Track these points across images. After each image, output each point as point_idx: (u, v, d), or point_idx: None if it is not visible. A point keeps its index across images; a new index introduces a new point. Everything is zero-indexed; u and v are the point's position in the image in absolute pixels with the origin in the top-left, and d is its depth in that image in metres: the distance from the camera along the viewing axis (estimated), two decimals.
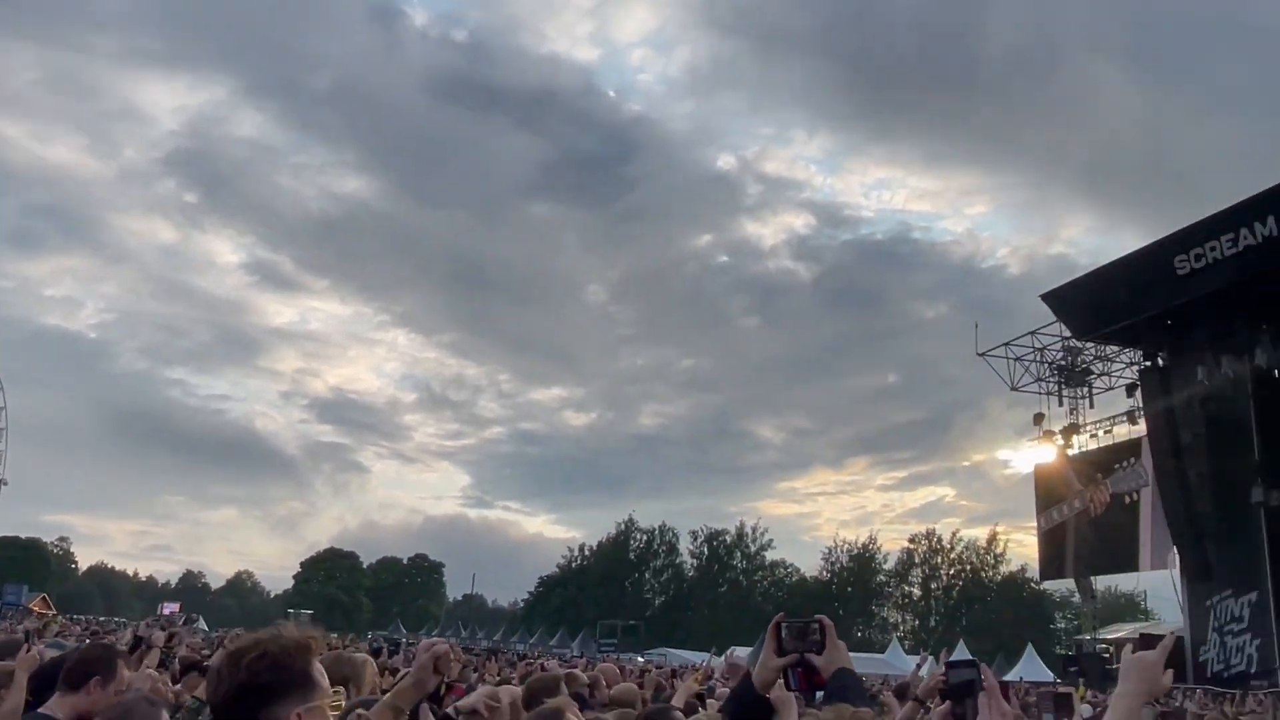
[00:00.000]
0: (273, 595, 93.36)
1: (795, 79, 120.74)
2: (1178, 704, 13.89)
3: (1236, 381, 23.27)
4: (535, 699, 3.66)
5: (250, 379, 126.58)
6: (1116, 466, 27.35)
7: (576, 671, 6.57)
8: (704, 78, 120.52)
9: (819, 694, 2.32)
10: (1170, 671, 2.13)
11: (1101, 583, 46.42)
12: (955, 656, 2.15)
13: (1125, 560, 27.12)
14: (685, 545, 76.88)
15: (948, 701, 2.11)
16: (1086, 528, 28.31)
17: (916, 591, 73.66)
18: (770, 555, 76.06)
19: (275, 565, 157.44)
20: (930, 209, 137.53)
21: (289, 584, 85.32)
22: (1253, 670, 22.17)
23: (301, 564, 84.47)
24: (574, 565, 76.98)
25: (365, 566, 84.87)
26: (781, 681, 2.42)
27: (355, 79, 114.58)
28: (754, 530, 75.92)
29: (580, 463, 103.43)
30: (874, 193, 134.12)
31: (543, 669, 7.23)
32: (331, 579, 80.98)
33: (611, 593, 71.19)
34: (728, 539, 76.11)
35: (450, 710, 2.77)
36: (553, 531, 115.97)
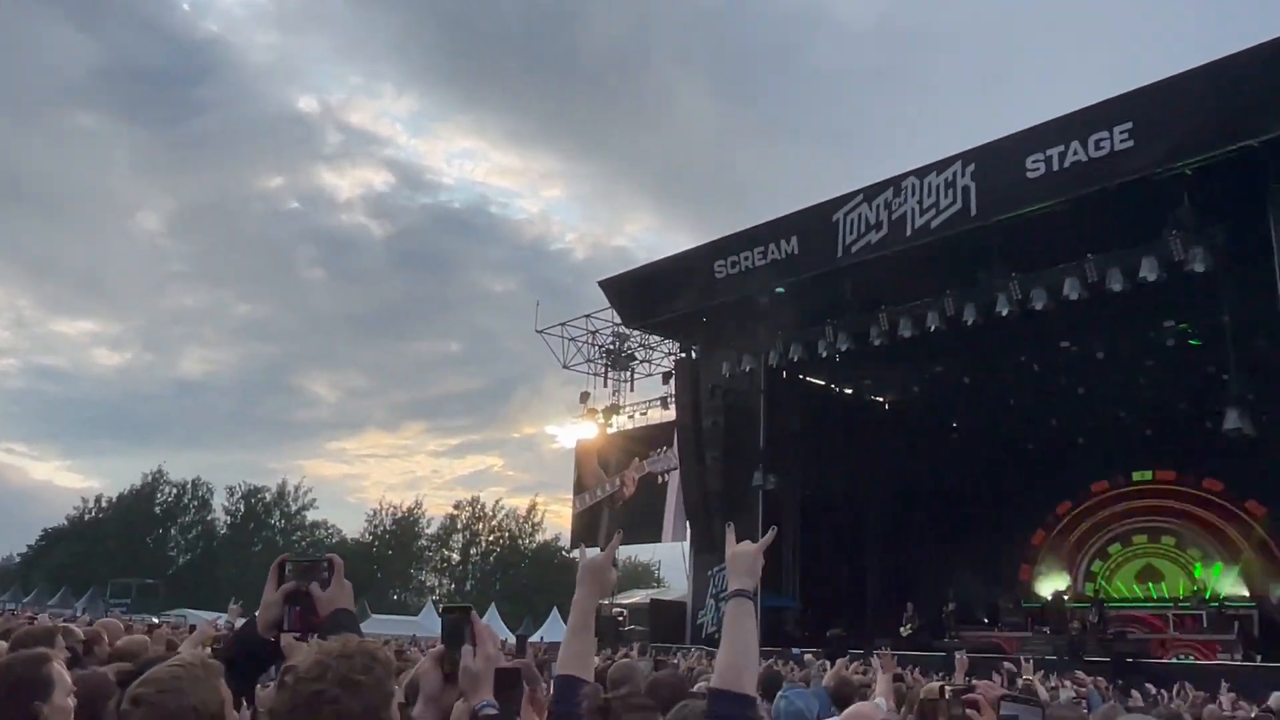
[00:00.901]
0: None
1: (393, 31, 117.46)
2: (673, 661, 14.53)
3: (753, 377, 26.27)
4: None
5: None
6: (653, 452, 29.65)
7: (72, 626, 5.97)
8: (293, 11, 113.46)
9: (314, 635, 2.28)
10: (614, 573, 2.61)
11: (624, 553, 50.46)
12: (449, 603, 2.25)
13: (650, 533, 29.45)
14: (220, 501, 72.53)
15: (441, 645, 2.20)
16: (618, 504, 30.41)
17: (456, 556, 75.22)
18: (312, 515, 73.91)
19: None
20: (510, 185, 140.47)
21: None
22: None
23: None
24: (87, 518, 69.71)
25: None
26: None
27: None
28: (296, 489, 73.36)
29: (107, 406, 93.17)
30: (457, 161, 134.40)
31: (31, 623, 6.47)
32: None
33: (130, 549, 65.35)
34: (267, 497, 72.86)
35: None
36: (65, 479, 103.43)
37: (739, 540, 2.80)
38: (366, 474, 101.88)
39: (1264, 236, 17.68)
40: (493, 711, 2.04)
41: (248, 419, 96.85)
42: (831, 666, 7.71)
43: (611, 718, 2.30)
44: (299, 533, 72.86)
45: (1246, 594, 24.53)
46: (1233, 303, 18.86)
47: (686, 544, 27.90)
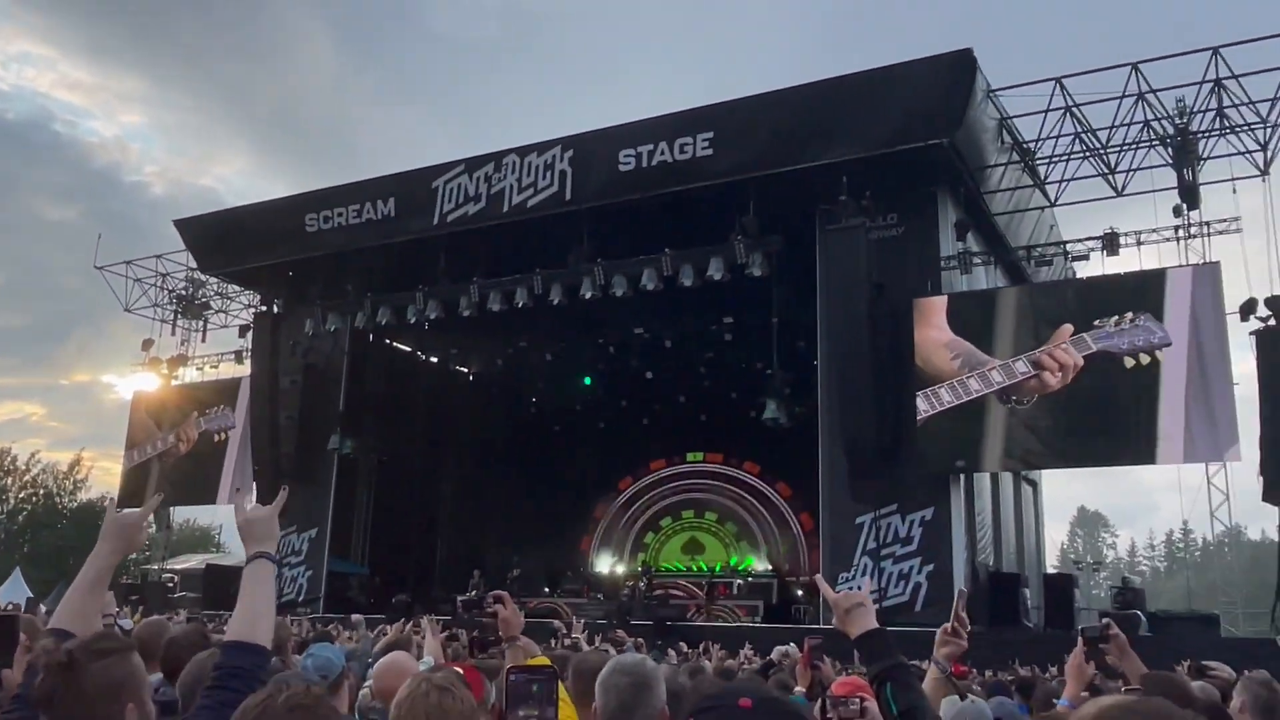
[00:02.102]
0: None
1: None
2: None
3: (337, 337, 25.44)
4: None
5: None
6: (211, 410, 27.81)
7: None
8: None
9: None
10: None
11: (183, 515, 46.90)
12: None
13: (206, 494, 27.62)
14: None
15: None
16: (173, 464, 28.26)
17: None
18: None
19: None
20: (80, 103, 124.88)
21: None
22: (300, 598, 24.33)
23: None
24: None
25: None
26: None
27: None
28: None
29: None
30: (16, 65, 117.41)
31: None
32: None
33: None
34: None
35: None
36: None
37: (284, 506, 2.74)
38: None
39: (811, 249, 20.01)
40: None
41: None
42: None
43: (76, 667, 2.17)
44: None
45: (771, 566, 27.67)
46: (780, 306, 21.11)
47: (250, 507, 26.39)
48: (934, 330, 18.70)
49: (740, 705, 1.53)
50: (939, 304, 19.00)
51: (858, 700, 2.80)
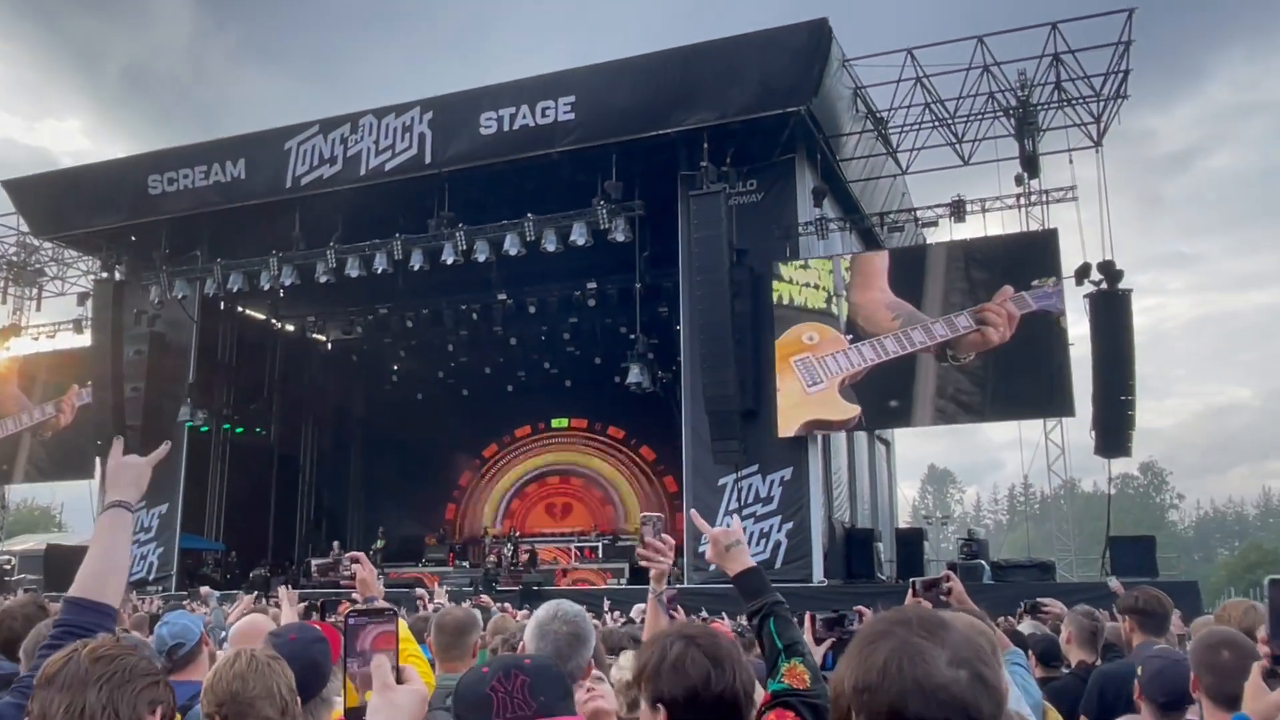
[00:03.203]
0: None
1: None
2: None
3: (185, 305, 24.37)
4: None
5: None
6: (77, 384, 26.41)
7: None
8: None
9: None
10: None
11: (18, 495, 44.41)
12: None
13: (86, 469, 26.29)
14: None
15: None
16: (50, 436, 26.88)
17: None
18: None
19: None
20: None
21: None
22: (151, 576, 23.38)
23: None
24: None
25: None
26: None
27: None
28: None
29: None
30: None
31: None
32: None
33: None
34: None
35: None
36: None
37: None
38: None
39: (674, 215, 20.18)
40: None
41: None
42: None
43: None
44: None
45: (634, 528, 28.02)
46: (643, 271, 21.25)
47: (96, 483, 25.21)
48: (876, 292, 18.95)
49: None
50: (880, 265, 19.31)
51: None
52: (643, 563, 3.22)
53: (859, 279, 19.24)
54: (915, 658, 1.36)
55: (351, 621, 1.74)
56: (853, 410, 18.81)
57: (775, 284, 19.44)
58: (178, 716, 2.22)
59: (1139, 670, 3.52)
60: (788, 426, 18.94)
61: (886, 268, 19.26)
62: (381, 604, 2.64)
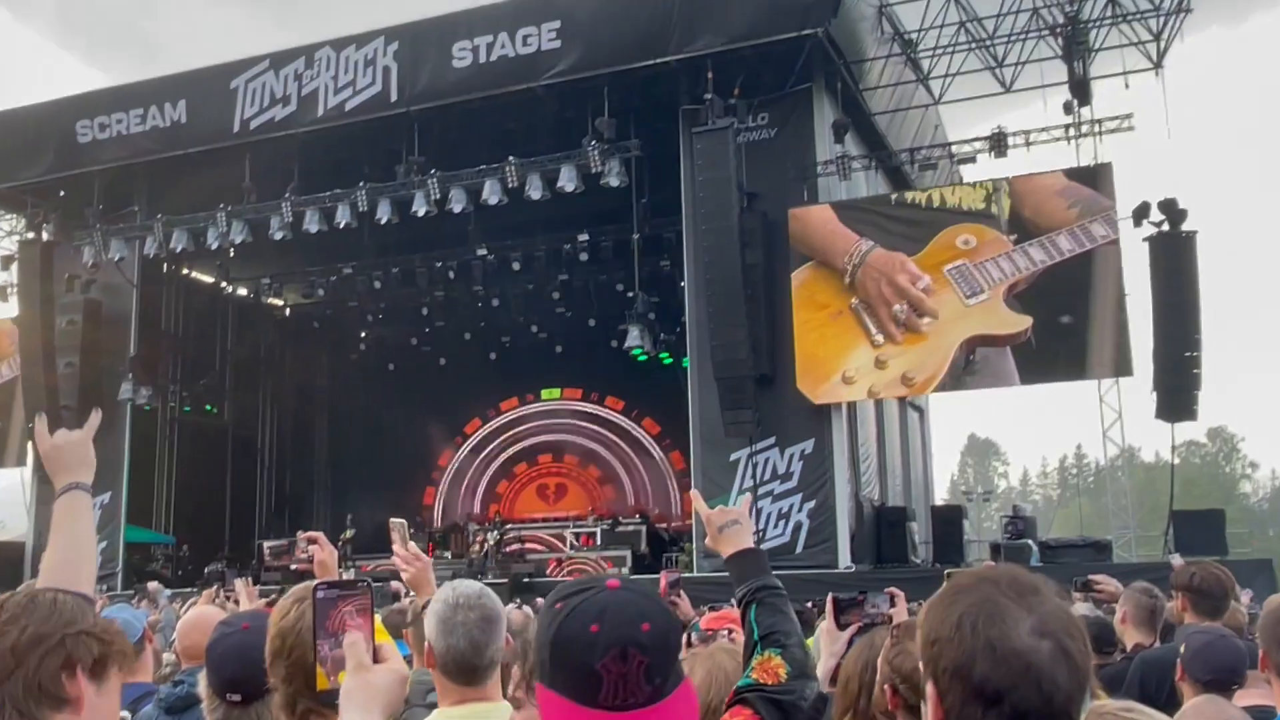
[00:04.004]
0: None
1: None
2: None
3: (124, 268, 24.29)
4: None
5: None
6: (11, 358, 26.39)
7: None
8: None
9: None
10: None
11: None
12: None
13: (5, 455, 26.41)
14: None
15: None
16: None
17: None
18: None
19: None
20: None
21: None
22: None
23: None
24: None
25: None
26: None
27: None
28: None
29: None
30: None
31: None
32: None
33: None
34: None
35: None
36: None
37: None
38: None
39: (675, 155, 20.11)
40: None
41: None
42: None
43: None
44: None
45: (638, 513, 28.09)
46: (642, 220, 21.21)
47: (28, 471, 25.30)
48: (1046, 179, 18.70)
49: (608, 586, 1.60)
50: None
51: (726, 632, 2.89)
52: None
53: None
54: (994, 616, 1.41)
55: (320, 595, 1.72)
56: (1023, 322, 18.09)
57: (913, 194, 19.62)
58: (125, 714, 2.23)
59: (1180, 648, 3.55)
60: (946, 346, 18.36)
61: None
62: (352, 576, 2.65)
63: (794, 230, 19.30)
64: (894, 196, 20.59)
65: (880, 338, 18.68)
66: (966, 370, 18.58)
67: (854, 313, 18.87)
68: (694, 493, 3.33)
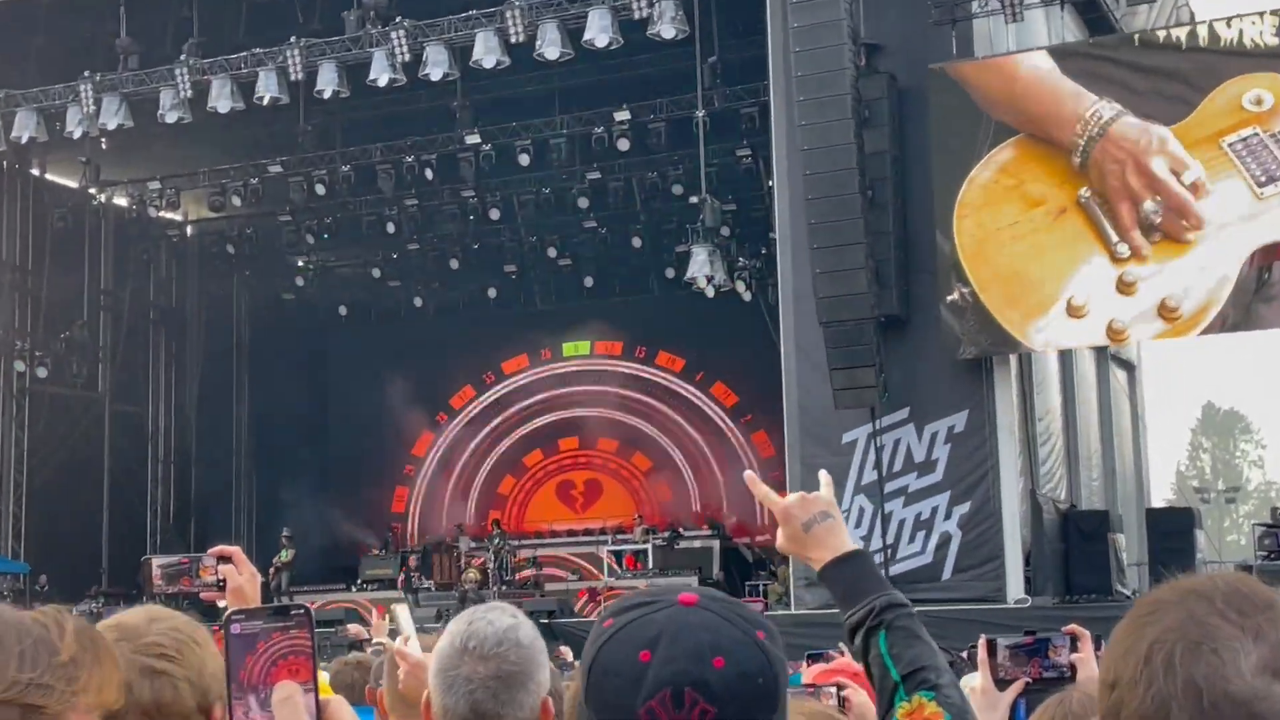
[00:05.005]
0: None
1: None
2: None
3: None
4: None
5: None
6: None
7: None
8: None
9: None
10: None
11: None
12: None
13: None
14: None
15: None
16: None
17: None
18: None
19: None
20: None
21: None
22: None
23: None
24: None
25: None
26: None
27: None
28: None
29: None
30: None
31: None
32: None
33: None
34: None
35: None
36: None
37: None
38: None
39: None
40: None
41: None
42: None
43: None
44: None
45: (707, 523, 27.98)
46: (709, 90, 21.18)
47: None
48: None
49: (678, 600, 1.61)
50: None
51: (833, 689, 2.95)
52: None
53: None
54: (1202, 646, 1.33)
55: (236, 630, 1.63)
56: None
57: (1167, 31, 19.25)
58: None
59: None
60: (1226, 260, 17.93)
61: None
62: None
63: (984, 85, 19.04)
64: (1137, 36, 20.22)
65: (1124, 248, 18.10)
66: (1259, 296, 18.09)
67: (1083, 209, 18.33)
68: (749, 475, 2.89)
